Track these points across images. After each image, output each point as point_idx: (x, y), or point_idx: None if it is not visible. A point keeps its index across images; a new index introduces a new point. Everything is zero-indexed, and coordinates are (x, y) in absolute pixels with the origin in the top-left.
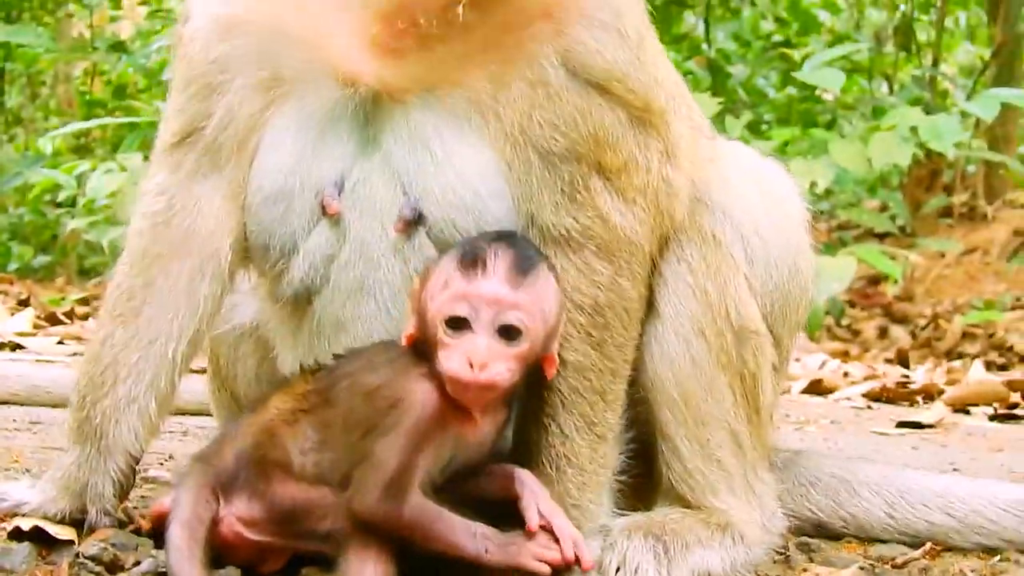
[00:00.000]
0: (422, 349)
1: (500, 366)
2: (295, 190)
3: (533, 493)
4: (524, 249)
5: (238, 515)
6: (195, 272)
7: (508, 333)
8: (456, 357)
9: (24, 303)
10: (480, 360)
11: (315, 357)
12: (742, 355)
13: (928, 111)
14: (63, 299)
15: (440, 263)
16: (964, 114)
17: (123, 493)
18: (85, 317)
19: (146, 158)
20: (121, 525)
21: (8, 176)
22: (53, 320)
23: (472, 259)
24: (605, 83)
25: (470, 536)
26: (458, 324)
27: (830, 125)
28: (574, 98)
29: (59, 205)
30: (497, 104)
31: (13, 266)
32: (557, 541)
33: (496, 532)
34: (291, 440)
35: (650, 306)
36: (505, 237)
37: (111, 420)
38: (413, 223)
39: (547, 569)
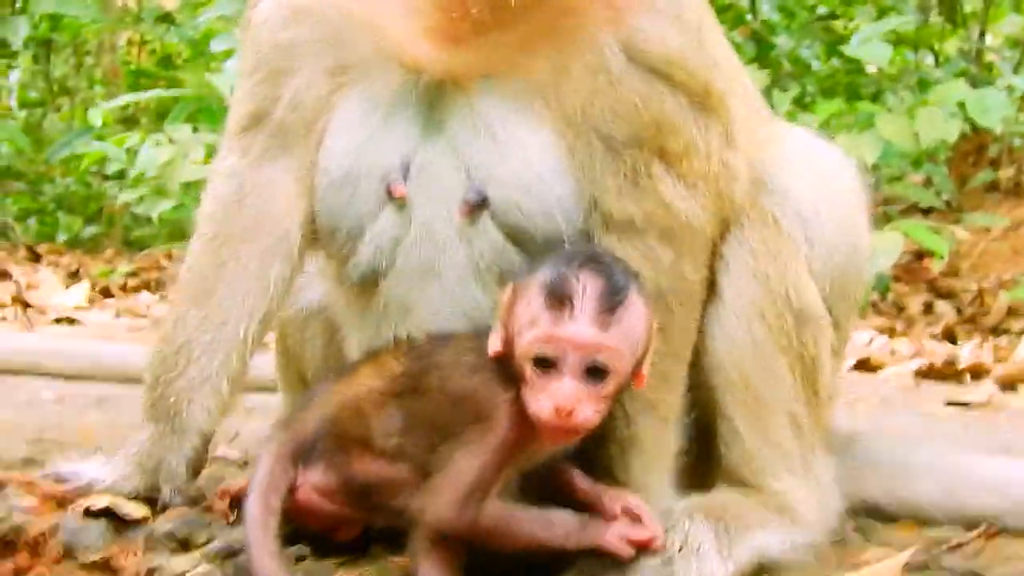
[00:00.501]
0: (508, 366)
1: (587, 409)
2: (361, 174)
3: (594, 485)
4: (613, 277)
5: (314, 484)
6: (266, 254)
7: (596, 374)
8: (544, 401)
9: (75, 275)
10: (568, 406)
11: (382, 339)
12: (802, 338)
13: (974, 84)
14: (112, 271)
15: (529, 288)
16: (1011, 88)
17: (196, 472)
18: (137, 290)
19: (195, 130)
20: (193, 503)
21: (56, 147)
22: (106, 293)
23: (560, 296)
24: (666, 69)
25: (548, 526)
26: (545, 364)
27: (875, 98)
28: (635, 84)
29: (107, 177)
30: (558, 90)
31: (62, 237)
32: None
33: (572, 515)
34: (376, 421)
35: (711, 289)
36: (593, 261)
37: (185, 400)
38: (478, 207)
39: (630, 550)
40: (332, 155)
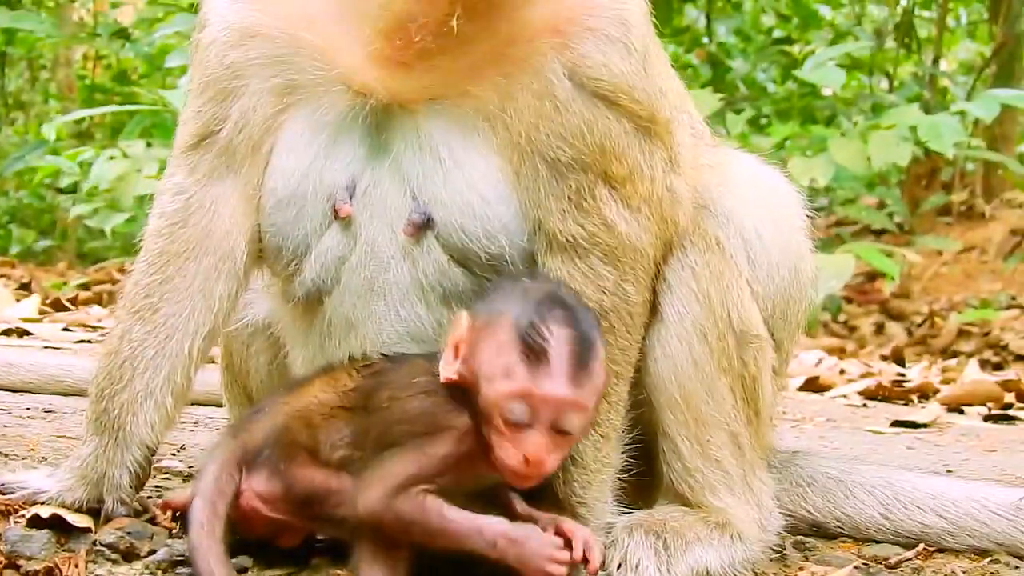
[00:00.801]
0: (460, 393)
1: (555, 459)
2: (308, 193)
3: (528, 508)
4: (583, 325)
5: (257, 490)
6: (211, 271)
7: (566, 430)
8: (512, 453)
9: (26, 287)
10: (537, 458)
11: (326, 356)
12: (743, 358)
13: (927, 109)
14: (65, 284)
15: (496, 329)
16: (963, 113)
17: (139, 483)
18: (88, 303)
19: (149, 145)
20: (137, 514)
21: (9, 160)
22: (57, 306)
23: (536, 351)
24: (612, 95)
25: (478, 532)
26: (518, 418)
27: (830, 121)
28: (581, 110)
29: (60, 191)
30: (504, 114)
31: (14, 249)
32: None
33: (507, 526)
34: (323, 432)
35: (653, 310)
36: (561, 306)
37: (128, 413)
38: (422, 227)
39: (561, 571)
40: (279, 174)
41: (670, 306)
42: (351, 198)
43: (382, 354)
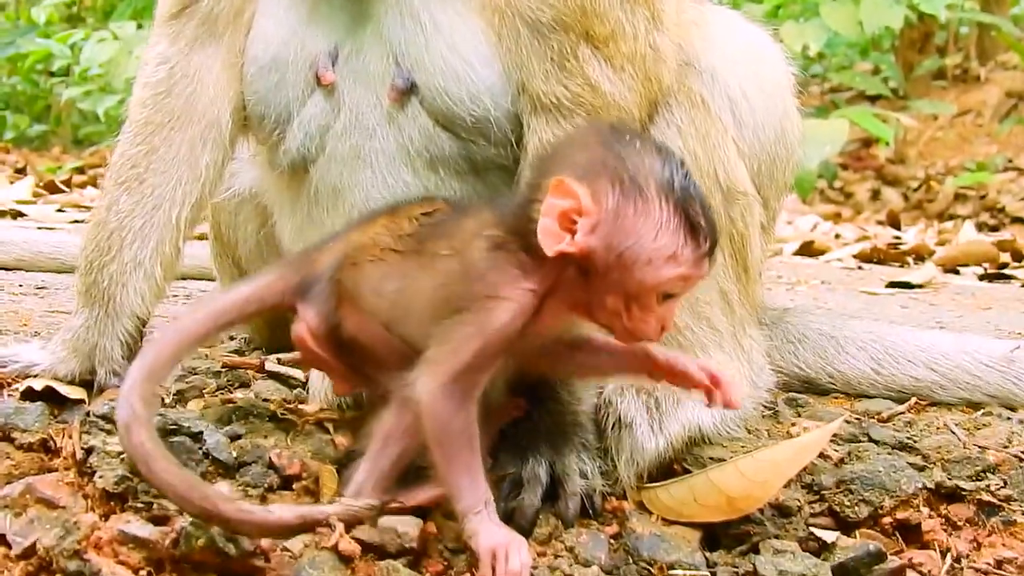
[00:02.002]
0: (538, 256)
1: None
2: (289, 60)
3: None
4: (699, 188)
5: (308, 322)
6: (196, 140)
7: None
8: (652, 325)
9: (21, 172)
10: (670, 326)
11: (314, 224)
12: (730, 215)
13: None
14: (59, 168)
15: (645, 201)
16: None
17: (131, 354)
18: (83, 185)
19: (139, 27)
20: None
21: (1, 44)
22: (51, 188)
23: (695, 228)
24: None
25: (472, 487)
26: (669, 296)
27: None
28: None
29: (53, 74)
30: None
31: (9, 135)
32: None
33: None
34: (369, 276)
35: None
36: (682, 167)
37: (118, 284)
38: (406, 92)
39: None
40: (260, 40)
41: None
42: (333, 65)
43: (444, 198)
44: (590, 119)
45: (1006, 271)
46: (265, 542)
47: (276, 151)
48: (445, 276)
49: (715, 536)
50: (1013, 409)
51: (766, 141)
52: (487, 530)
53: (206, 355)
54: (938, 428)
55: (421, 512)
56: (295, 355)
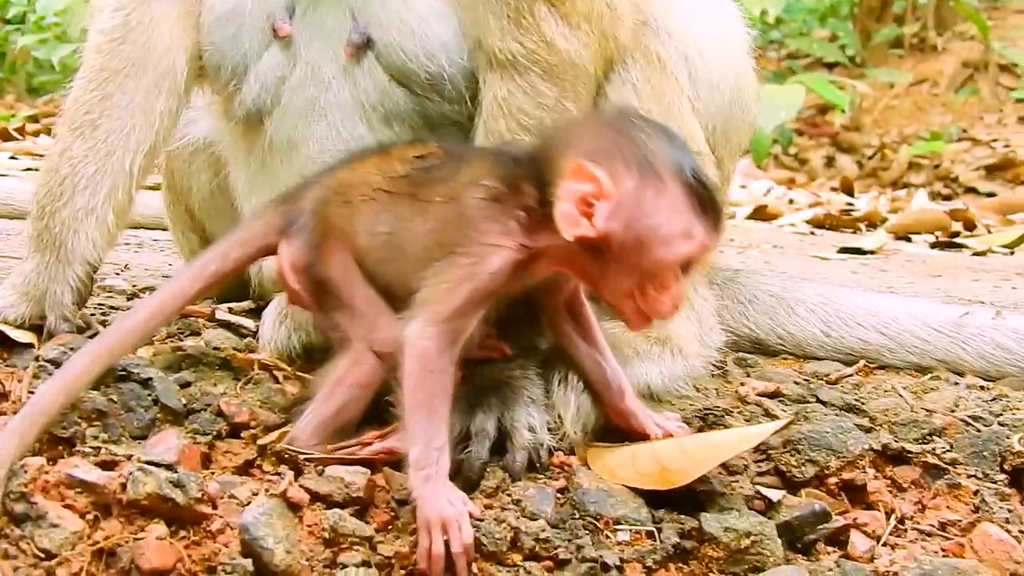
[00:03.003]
0: (534, 217)
1: None
2: (246, 11)
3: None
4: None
5: (290, 255)
6: (151, 88)
7: None
8: (666, 304)
9: None
10: (681, 304)
11: (268, 175)
12: None
13: None
14: (13, 116)
15: (659, 184)
16: None
17: (81, 300)
18: (36, 134)
19: None
20: (80, 331)
21: None
22: (5, 136)
23: (704, 203)
24: None
25: (431, 435)
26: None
27: None
28: None
29: (8, 22)
30: None
31: None
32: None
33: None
34: (360, 215)
35: None
36: (687, 149)
37: (70, 230)
38: (362, 47)
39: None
40: None
41: None
42: (291, 18)
43: (438, 143)
44: (544, 76)
45: (957, 240)
46: (212, 489)
47: (232, 102)
48: (439, 221)
49: (661, 493)
50: (960, 374)
51: (722, 102)
52: (433, 497)
53: None
54: (886, 391)
55: (369, 464)
56: (246, 304)
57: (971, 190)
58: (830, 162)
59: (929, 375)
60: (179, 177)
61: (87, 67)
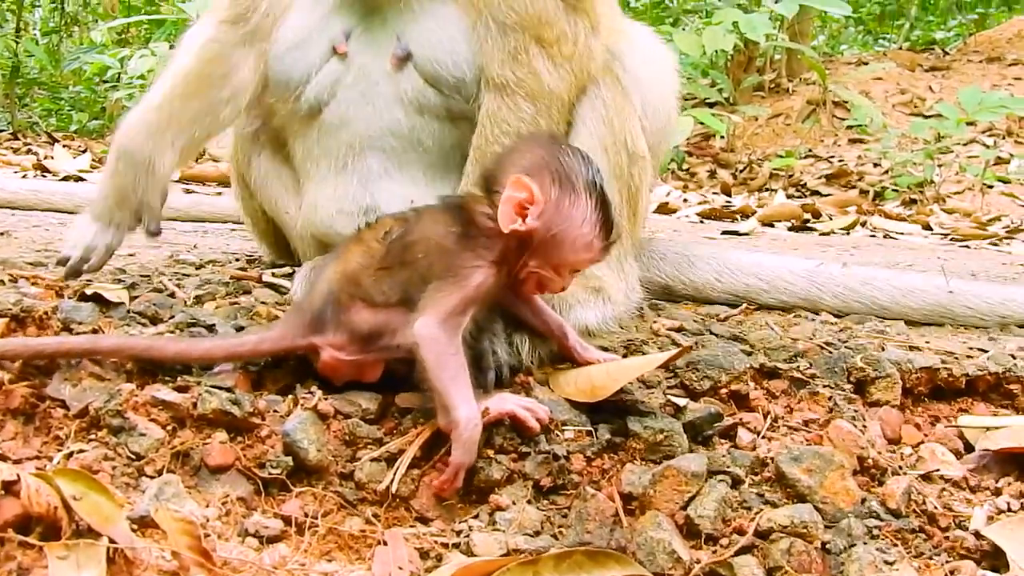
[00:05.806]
0: (491, 236)
1: None
2: (312, 38)
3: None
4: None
5: (330, 343)
6: (221, 100)
7: None
8: (556, 286)
9: (82, 153)
10: (566, 290)
11: (322, 149)
12: (631, 172)
13: (746, 11)
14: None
15: (574, 196)
16: (772, 12)
17: (162, 206)
18: None
19: (171, 47)
20: (158, 291)
21: (68, 60)
22: (103, 163)
23: (607, 223)
24: None
25: (470, 399)
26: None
27: (675, 22)
28: None
29: (106, 82)
30: None
31: (74, 128)
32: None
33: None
34: (373, 286)
35: (568, 137)
36: (597, 182)
37: (160, 154)
38: (404, 59)
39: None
40: (290, 28)
41: (584, 126)
42: (347, 39)
43: (391, 216)
44: (527, 98)
45: (808, 225)
46: (261, 404)
47: (296, 102)
48: (427, 266)
49: (597, 403)
50: (816, 312)
51: (658, 124)
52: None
53: (219, 270)
54: (761, 326)
55: (379, 389)
56: (286, 269)
57: (815, 192)
58: (713, 174)
59: (793, 314)
60: (241, 158)
61: (173, 71)
